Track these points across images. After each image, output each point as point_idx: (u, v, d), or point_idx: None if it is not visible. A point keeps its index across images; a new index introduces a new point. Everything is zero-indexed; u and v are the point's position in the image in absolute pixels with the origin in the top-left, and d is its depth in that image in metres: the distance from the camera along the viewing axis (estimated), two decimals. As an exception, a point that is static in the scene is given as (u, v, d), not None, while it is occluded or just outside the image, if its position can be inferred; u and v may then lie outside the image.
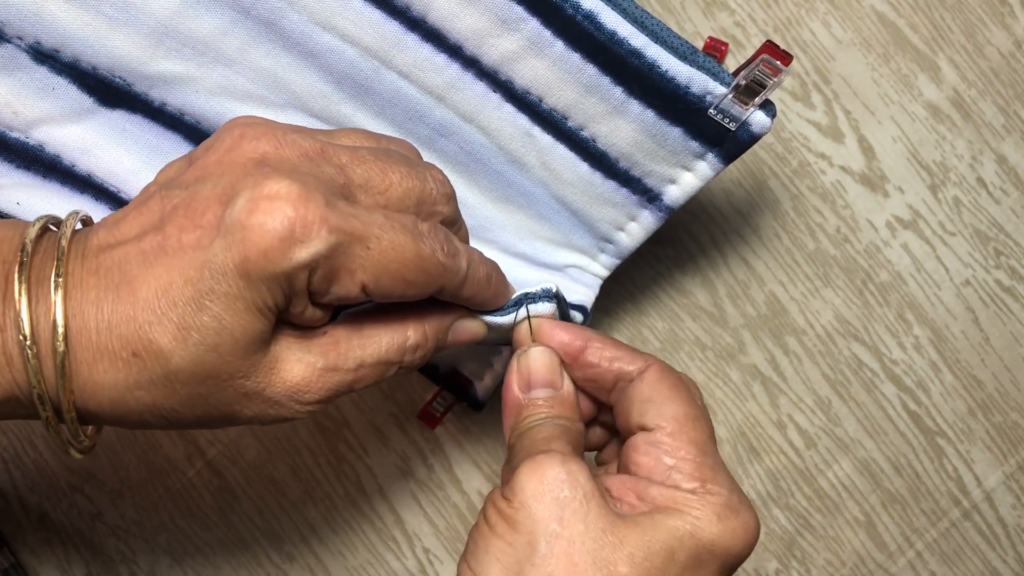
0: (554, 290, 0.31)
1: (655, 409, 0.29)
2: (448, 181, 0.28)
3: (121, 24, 0.31)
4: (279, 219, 0.23)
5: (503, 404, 0.31)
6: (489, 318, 0.30)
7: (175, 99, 0.33)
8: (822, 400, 0.42)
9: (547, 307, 0.31)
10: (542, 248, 0.36)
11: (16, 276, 0.24)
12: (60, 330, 0.24)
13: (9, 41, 0.31)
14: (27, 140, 0.32)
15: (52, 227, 0.27)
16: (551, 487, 0.26)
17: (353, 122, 0.34)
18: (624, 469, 0.30)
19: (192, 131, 0.33)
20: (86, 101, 0.32)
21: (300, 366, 0.26)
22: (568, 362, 0.31)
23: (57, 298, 0.24)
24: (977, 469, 0.42)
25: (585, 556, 0.26)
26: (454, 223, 0.29)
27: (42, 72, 0.32)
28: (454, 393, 0.39)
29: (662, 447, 0.28)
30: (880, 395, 0.42)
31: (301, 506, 0.43)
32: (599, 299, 0.37)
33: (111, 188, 0.33)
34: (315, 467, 0.43)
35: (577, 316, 0.35)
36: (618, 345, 0.31)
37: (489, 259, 0.30)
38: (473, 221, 0.36)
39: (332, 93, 0.33)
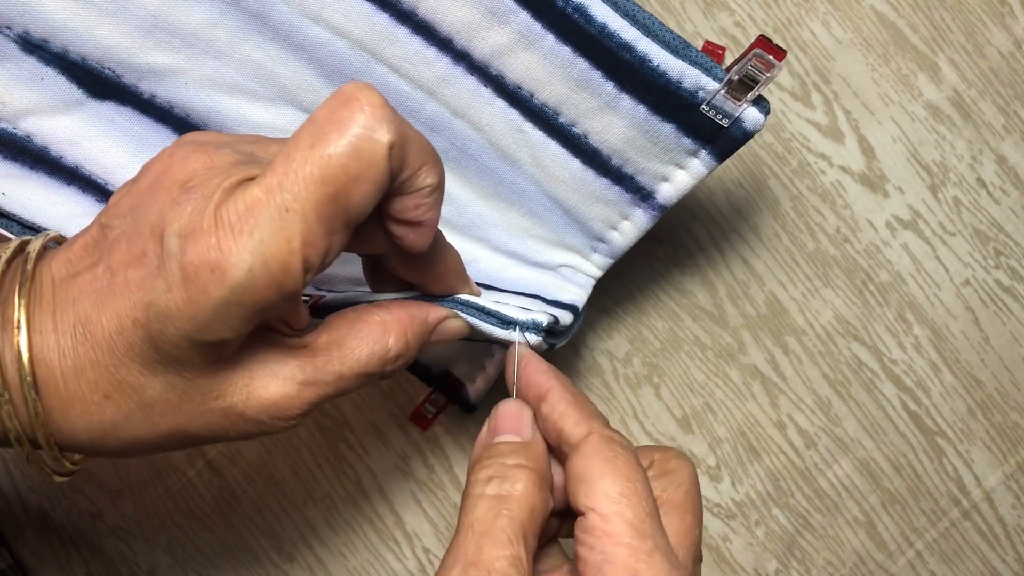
0: (544, 324, 0.31)
1: (586, 489, 0.26)
2: None
3: (111, 15, 0.31)
4: (210, 253, 0.23)
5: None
6: (471, 320, 0.30)
7: (164, 91, 0.33)
8: (822, 400, 0.42)
9: (532, 339, 0.31)
10: (534, 247, 0.36)
11: None
12: (28, 379, 0.24)
13: None
14: (15, 131, 0.32)
15: (23, 250, 0.26)
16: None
17: None
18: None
19: (182, 124, 0.33)
20: (75, 92, 0.32)
21: (276, 382, 0.26)
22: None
23: (23, 347, 0.24)
24: (977, 469, 0.42)
25: None
26: None
27: (31, 62, 0.31)
28: (446, 395, 0.39)
29: (595, 535, 0.25)
30: (880, 395, 0.42)
31: (301, 506, 0.43)
32: (599, 299, 0.37)
33: (98, 180, 0.33)
34: (315, 467, 0.43)
35: (567, 316, 0.34)
36: (573, 402, 0.29)
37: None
38: (464, 219, 0.35)
39: (322, 86, 0.33)
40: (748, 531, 0.43)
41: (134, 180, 0.26)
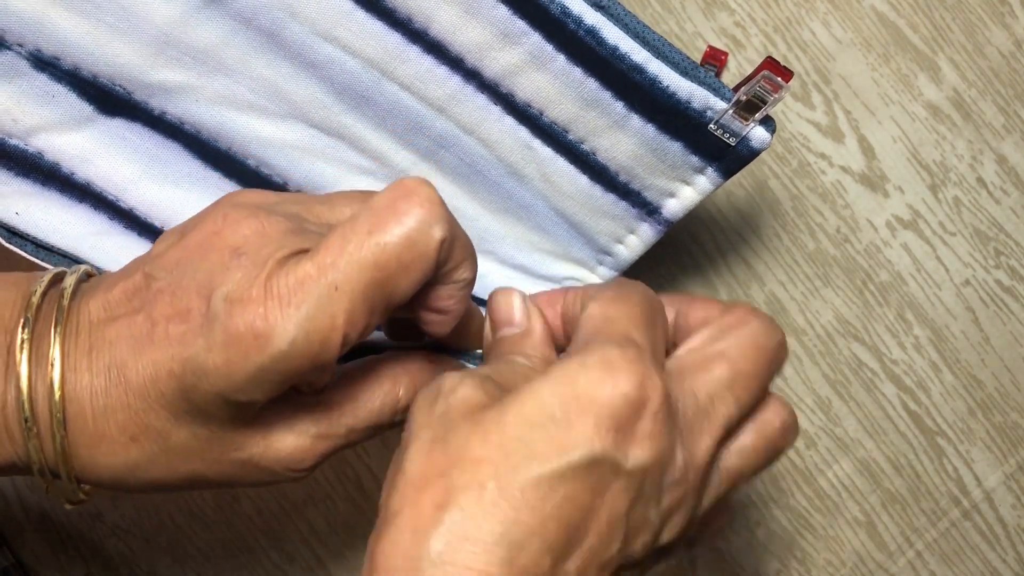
0: None
1: (595, 291, 0.28)
2: None
3: (122, 33, 0.31)
4: (256, 322, 0.23)
5: None
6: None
7: (175, 108, 0.33)
8: (822, 400, 0.42)
9: None
10: (540, 260, 0.36)
11: (18, 351, 0.25)
12: (59, 416, 0.24)
13: (9, 48, 0.31)
14: (26, 147, 0.32)
15: (56, 283, 0.27)
16: (427, 393, 0.25)
17: (353, 133, 0.34)
18: None
19: (192, 140, 0.33)
20: (86, 109, 0.32)
21: (292, 435, 0.27)
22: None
23: (55, 383, 0.24)
24: (977, 469, 0.42)
25: (441, 449, 0.23)
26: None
27: (42, 79, 0.31)
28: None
29: (584, 318, 0.26)
30: (880, 395, 0.42)
31: (301, 506, 0.43)
32: (599, 299, 0.37)
33: (110, 197, 0.33)
34: (315, 467, 0.43)
35: None
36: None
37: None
38: (472, 232, 0.35)
39: (333, 104, 0.33)
40: (748, 531, 0.43)
41: (181, 233, 0.27)
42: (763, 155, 0.41)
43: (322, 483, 0.43)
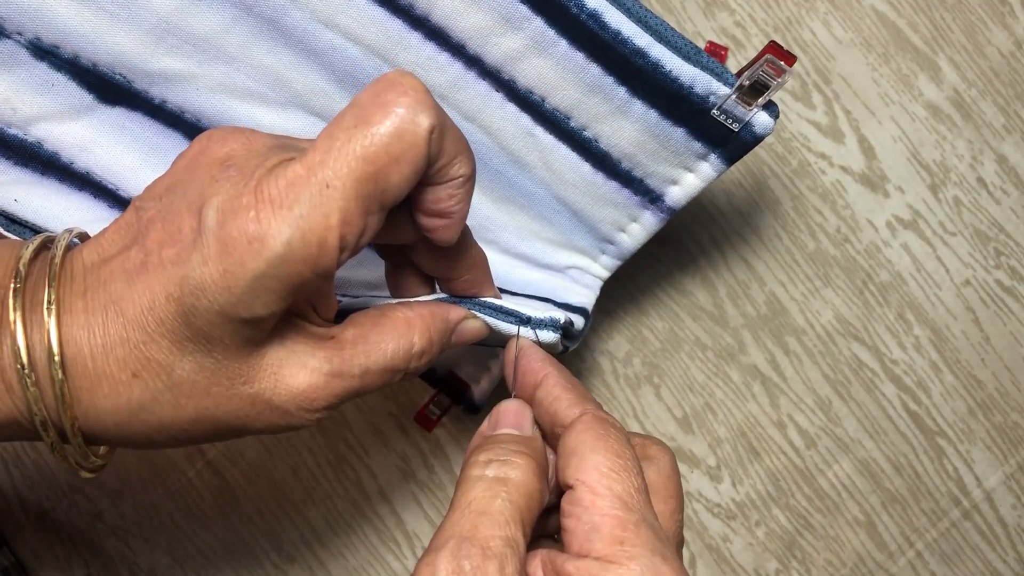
0: (561, 321, 0.31)
1: (577, 462, 0.26)
2: None
3: (122, 20, 0.31)
4: (248, 226, 0.23)
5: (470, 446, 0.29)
6: (491, 320, 0.30)
7: (175, 96, 0.33)
8: (822, 400, 0.42)
9: (551, 336, 0.31)
10: (543, 249, 0.36)
11: (11, 303, 0.24)
12: (56, 358, 0.24)
13: (9, 37, 0.31)
14: (25, 137, 0.32)
15: (48, 246, 0.26)
16: None
17: None
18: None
19: (192, 129, 0.33)
20: (85, 98, 0.32)
21: (305, 372, 0.26)
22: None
23: (51, 325, 0.24)
24: (977, 469, 0.42)
25: None
26: None
27: (41, 68, 0.31)
28: (450, 396, 0.39)
29: (583, 505, 0.25)
30: (880, 395, 0.42)
31: (301, 506, 0.43)
32: (600, 299, 0.37)
33: (109, 186, 0.33)
34: (315, 467, 0.43)
35: (579, 319, 0.35)
36: (567, 387, 0.29)
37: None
38: (474, 221, 0.35)
39: (334, 91, 0.33)
40: (748, 531, 0.43)
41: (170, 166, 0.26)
42: (763, 155, 0.41)
43: (322, 483, 0.43)
